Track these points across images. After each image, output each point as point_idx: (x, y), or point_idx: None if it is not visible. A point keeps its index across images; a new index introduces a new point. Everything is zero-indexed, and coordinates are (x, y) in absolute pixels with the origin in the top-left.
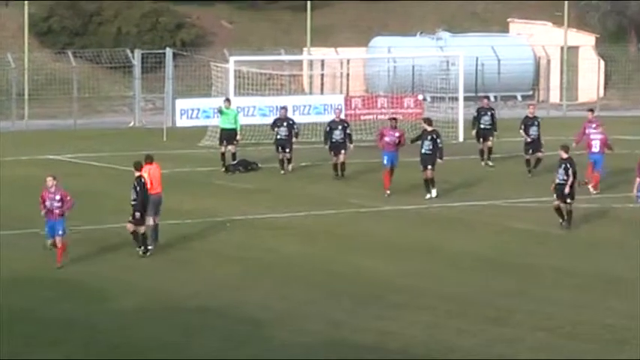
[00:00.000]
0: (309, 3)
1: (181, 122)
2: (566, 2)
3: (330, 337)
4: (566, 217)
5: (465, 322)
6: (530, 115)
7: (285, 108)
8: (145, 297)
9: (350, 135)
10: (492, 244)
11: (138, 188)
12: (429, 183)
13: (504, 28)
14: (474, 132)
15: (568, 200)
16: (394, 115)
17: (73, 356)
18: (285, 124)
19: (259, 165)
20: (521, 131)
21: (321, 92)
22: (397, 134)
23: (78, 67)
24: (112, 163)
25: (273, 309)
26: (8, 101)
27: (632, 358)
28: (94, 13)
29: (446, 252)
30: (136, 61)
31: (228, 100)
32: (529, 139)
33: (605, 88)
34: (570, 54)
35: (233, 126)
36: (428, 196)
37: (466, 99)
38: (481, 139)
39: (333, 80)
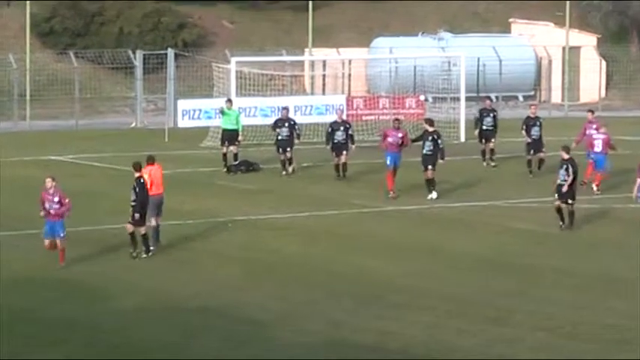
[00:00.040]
0: (310, 3)
1: (183, 123)
2: (567, 2)
3: (331, 337)
4: (568, 218)
5: (465, 322)
6: (532, 116)
7: (286, 108)
8: (146, 297)
9: (352, 136)
10: (493, 244)
11: (137, 189)
12: (430, 183)
13: (506, 29)
14: (476, 132)
15: (569, 201)
16: (397, 116)
17: (74, 356)
18: (286, 124)
19: (261, 166)
20: (522, 132)
21: (323, 93)
22: (400, 135)
23: (80, 67)
24: (114, 164)
25: (274, 309)
26: (10, 102)
27: (632, 359)
28: (96, 13)
29: (446, 252)
30: (138, 62)
31: (229, 100)
32: (529, 140)
33: (606, 88)
34: (572, 54)
35: (235, 126)
36: (429, 196)
37: (468, 99)
38: (483, 140)
39: (334, 81)
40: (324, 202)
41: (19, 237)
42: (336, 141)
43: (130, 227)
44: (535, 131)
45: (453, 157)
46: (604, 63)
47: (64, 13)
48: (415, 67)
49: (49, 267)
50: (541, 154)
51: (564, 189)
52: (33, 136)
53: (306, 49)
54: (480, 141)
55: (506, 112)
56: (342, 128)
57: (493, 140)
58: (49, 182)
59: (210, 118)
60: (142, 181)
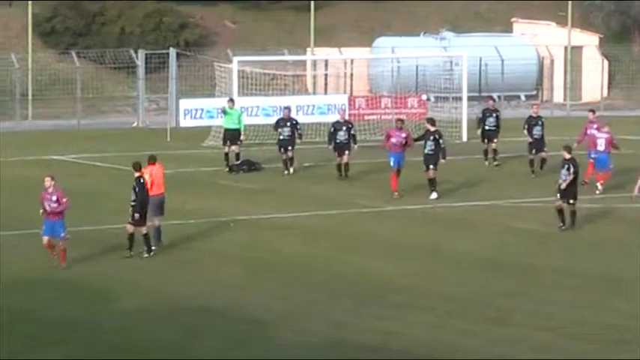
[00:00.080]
0: (312, 3)
1: (185, 122)
2: (569, 2)
3: (332, 337)
4: (569, 218)
5: (466, 322)
6: (534, 115)
7: (288, 108)
8: (148, 297)
9: (354, 136)
10: (494, 244)
11: (137, 189)
12: (431, 183)
13: (508, 28)
14: (479, 132)
15: (571, 201)
16: (400, 116)
17: (74, 356)
18: (288, 124)
19: (263, 165)
20: (524, 131)
21: (325, 92)
22: (404, 135)
23: (81, 67)
24: (116, 164)
25: (275, 309)
26: (12, 101)
27: (633, 358)
28: (98, 13)
29: (448, 252)
30: (140, 62)
31: (231, 100)
32: (531, 139)
33: (608, 88)
34: (574, 54)
35: (237, 126)
36: (431, 197)
37: (470, 99)
38: (486, 140)
39: (336, 80)
40: (326, 202)
41: (20, 237)
42: (338, 141)
43: (130, 228)
44: (537, 131)
45: (455, 157)
46: (606, 63)
47: (65, 13)
48: (417, 66)
49: (50, 267)
50: (543, 154)
51: (562, 186)
52: (35, 135)
53: (308, 49)
54: (483, 141)
55: (508, 112)
56: (344, 128)
57: (495, 140)
58: (47, 181)
59: (212, 117)
60: (141, 180)
